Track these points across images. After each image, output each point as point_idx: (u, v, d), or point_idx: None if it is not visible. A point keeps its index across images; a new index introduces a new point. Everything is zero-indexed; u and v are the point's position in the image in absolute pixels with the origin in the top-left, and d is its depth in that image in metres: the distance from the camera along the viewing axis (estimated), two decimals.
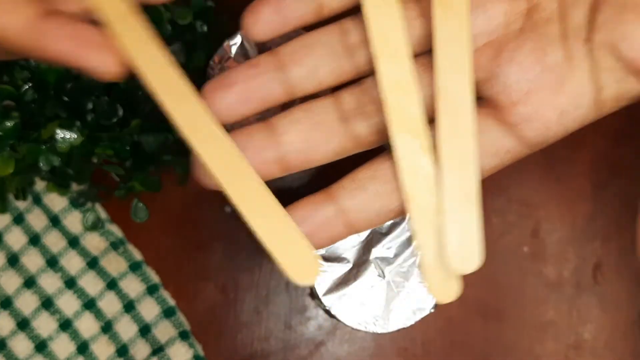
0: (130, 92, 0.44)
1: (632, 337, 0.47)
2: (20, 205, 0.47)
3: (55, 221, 0.47)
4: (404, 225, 0.38)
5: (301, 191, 0.49)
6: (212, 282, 0.47)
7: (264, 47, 0.37)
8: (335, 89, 0.26)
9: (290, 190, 0.49)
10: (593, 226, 0.48)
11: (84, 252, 0.47)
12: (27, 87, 0.41)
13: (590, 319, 0.47)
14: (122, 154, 0.43)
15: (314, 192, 0.25)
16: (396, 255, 0.37)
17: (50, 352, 0.47)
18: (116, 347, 0.47)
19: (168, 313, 0.47)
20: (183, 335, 0.46)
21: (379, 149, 0.26)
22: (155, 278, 0.47)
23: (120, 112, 0.42)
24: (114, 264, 0.47)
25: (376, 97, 0.25)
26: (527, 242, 0.48)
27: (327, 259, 0.37)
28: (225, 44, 0.37)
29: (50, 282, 0.47)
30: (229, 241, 0.48)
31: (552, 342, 0.47)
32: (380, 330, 0.37)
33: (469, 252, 0.23)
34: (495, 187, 0.49)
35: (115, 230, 0.47)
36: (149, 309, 0.47)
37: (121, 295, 0.47)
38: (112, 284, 0.47)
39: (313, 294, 0.37)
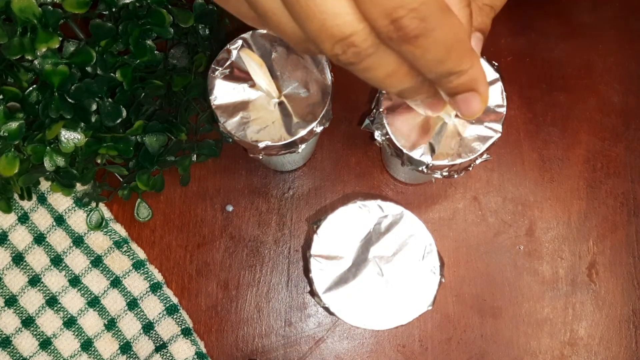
0: (134, 94, 0.44)
1: (626, 334, 0.47)
2: (25, 204, 0.48)
3: (59, 220, 0.48)
4: (402, 224, 0.38)
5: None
6: (214, 280, 0.48)
7: (265, 51, 0.37)
8: None
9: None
10: (587, 225, 0.49)
11: (88, 251, 0.48)
12: (31, 88, 0.42)
13: (585, 315, 0.47)
14: (125, 155, 0.43)
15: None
16: (394, 254, 0.38)
17: (55, 350, 0.47)
18: (120, 344, 0.47)
19: (171, 310, 0.47)
20: (185, 332, 0.46)
21: None
22: (158, 276, 0.47)
23: (124, 114, 0.42)
24: (118, 263, 0.47)
25: None
26: (523, 240, 0.48)
27: (327, 257, 0.38)
28: (227, 47, 0.37)
29: (54, 281, 0.47)
30: (230, 239, 0.49)
31: (547, 338, 0.47)
32: (378, 327, 0.38)
33: None
34: (491, 187, 0.49)
35: (119, 230, 0.48)
36: (152, 307, 0.47)
37: (125, 293, 0.47)
38: (115, 282, 0.47)
39: (313, 291, 0.38)
